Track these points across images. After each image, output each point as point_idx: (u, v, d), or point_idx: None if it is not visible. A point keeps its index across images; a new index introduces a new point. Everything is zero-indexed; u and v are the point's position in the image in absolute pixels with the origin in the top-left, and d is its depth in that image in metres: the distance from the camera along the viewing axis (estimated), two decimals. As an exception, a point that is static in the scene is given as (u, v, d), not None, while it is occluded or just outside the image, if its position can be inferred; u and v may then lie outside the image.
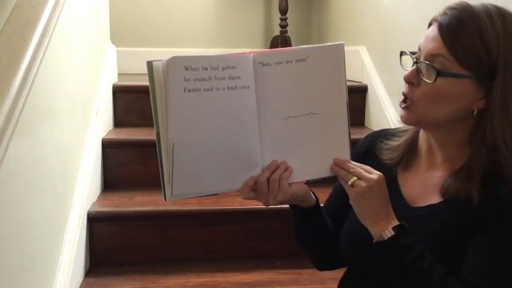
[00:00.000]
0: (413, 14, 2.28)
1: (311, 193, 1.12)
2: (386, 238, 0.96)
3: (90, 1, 2.30)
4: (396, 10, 2.49)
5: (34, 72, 1.40)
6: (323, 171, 1.04)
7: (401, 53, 1.04)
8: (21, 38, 1.41)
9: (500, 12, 0.95)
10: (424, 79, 0.96)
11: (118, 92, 2.62)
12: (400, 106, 1.03)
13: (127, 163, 2.31)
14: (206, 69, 0.94)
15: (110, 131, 2.50)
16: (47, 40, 1.51)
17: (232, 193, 1.04)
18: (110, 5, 2.75)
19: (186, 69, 0.93)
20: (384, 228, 0.97)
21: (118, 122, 2.62)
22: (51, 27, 1.55)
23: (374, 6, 2.76)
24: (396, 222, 0.97)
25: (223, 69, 0.96)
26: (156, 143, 0.96)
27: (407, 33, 2.27)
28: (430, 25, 1.00)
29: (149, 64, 0.94)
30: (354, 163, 1.02)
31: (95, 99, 2.33)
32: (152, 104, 0.95)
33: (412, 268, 0.94)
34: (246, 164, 1.01)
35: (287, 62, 1.00)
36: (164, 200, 0.98)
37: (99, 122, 2.30)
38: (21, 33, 1.42)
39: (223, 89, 0.96)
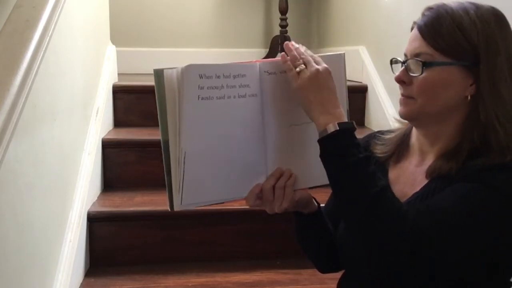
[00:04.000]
0: (413, 14, 2.27)
1: (313, 199, 1.13)
2: (329, 132, 0.94)
3: (90, 1, 2.30)
4: (396, 10, 2.49)
5: (34, 72, 1.40)
6: (326, 178, 1.05)
7: (391, 62, 1.07)
8: (21, 38, 1.41)
9: (474, 5, 0.99)
10: (413, 74, 0.99)
11: (118, 92, 2.62)
12: (400, 104, 1.05)
13: (127, 163, 2.31)
14: (219, 77, 0.95)
15: (110, 131, 2.50)
16: (47, 40, 1.51)
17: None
18: (110, 5, 2.75)
19: (201, 77, 0.93)
20: (329, 121, 0.95)
21: (118, 122, 2.62)
22: (51, 27, 1.55)
23: (374, 6, 2.76)
24: (344, 120, 0.96)
25: (234, 77, 0.97)
26: (163, 151, 0.96)
27: (407, 33, 2.26)
28: (412, 29, 1.04)
29: (159, 72, 0.94)
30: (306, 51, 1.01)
31: (95, 99, 2.33)
32: (159, 112, 0.95)
33: (358, 168, 0.93)
34: (252, 172, 1.02)
35: None
36: (170, 209, 0.97)
37: (99, 122, 2.30)
38: (21, 33, 1.42)
39: (234, 97, 0.97)
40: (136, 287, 1.86)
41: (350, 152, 0.93)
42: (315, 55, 1.01)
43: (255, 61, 1.01)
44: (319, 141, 0.95)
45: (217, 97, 0.95)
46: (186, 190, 0.95)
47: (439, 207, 0.91)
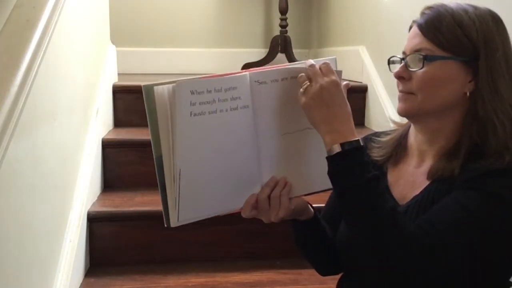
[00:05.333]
0: (413, 14, 2.27)
1: (309, 205, 1.12)
2: (333, 153, 0.93)
3: (90, 1, 2.30)
4: (396, 10, 2.49)
5: (34, 72, 1.40)
6: (321, 185, 1.04)
7: (389, 61, 1.08)
8: (21, 38, 1.41)
9: (472, 6, 1.01)
10: (414, 69, 1.00)
11: (118, 92, 2.62)
12: (399, 100, 1.05)
13: (127, 163, 2.31)
14: (210, 92, 0.94)
15: (110, 131, 2.50)
16: (47, 40, 1.51)
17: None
18: (110, 5, 2.75)
19: (192, 93, 0.92)
20: (335, 140, 0.93)
21: (118, 122, 2.62)
22: (51, 27, 1.55)
23: (374, 6, 2.76)
24: (351, 137, 0.94)
25: (226, 90, 0.96)
26: (156, 167, 0.95)
27: (407, 33, 2.26)
28: (410, 28, 1.06)
29: (148, 88, 0.94)
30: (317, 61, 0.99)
31: (95, 99, 2.33)
32: (150, 128, 0.94)
33: (367, 189, 0.92)
34: (247, 182, 1.02)
35: (282, 80, 1.01)
36: (166, 226, 0.97)
37: (99, 122, 2.30)
38: (21, 33, 1.42)
39: (226, 110, 0.97)
40: (136, 287, 1.86)
41: (352, 174, 0.92)
42: (331, 68, 0.97)
43: (245, 71, 1.01)
44: (327, 159, 0.95)
45: (209, 112, 0.94)
46: (182, 206, 0.95)
47: (445, 224, 0.90)
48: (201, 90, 0.93)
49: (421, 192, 1.01)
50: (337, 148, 0.93)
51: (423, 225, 0.91)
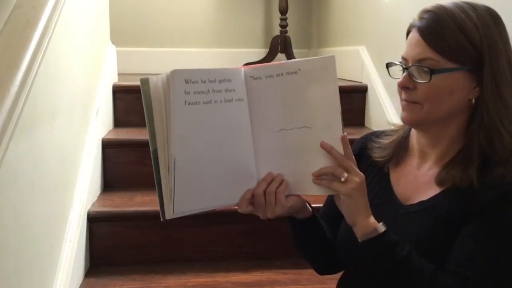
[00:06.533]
0: (413, 14, 2.27)
1: (307, 204, 1.12)
2: (380, 231, 0.96)
3: (90, 1, 2.30)
4: (396, 10, 2.49)
5: (34, 72, 1.40)
6: (319, 188, 1.02)
7: (387, 65, 1.06)
8: (21, 38, 1.41)
9: (470, 5, 0.99)
10: (419, 80, 0.98)
11: (118, 92, 2.62)
12: (404, 109, 1.04)
13: (127, 163, 2.31)
14: (204, 82, 0.94)
15: (110, 131, 2.50)
16: (47, 40, 1.51)
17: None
18: (110, 5, 2.75)
19: (186, 82, 0.93)
20: (374, 223, 0.98)
21: (118, 122, 2.62)
22: (51, 27, 1.55)
23: (374, 6, 2.76)
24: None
25: (220, 82, 0.96)
26: (152, 161, 0.95)
27: (407, 33, 2.26)
28: (408, 32, 1.03)
29: (144, 81, 0.94)
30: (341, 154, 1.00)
31: (95, 99, 2.33)
32: (147, 121, 0.95)
33: (404, 265, 0.95)
34: (243, 176, 1.01)
35: (277, 75, 1.00)
36: (162, 219, 0.97)
37: (99, 122, 2.30)
38: (21, 33, 1.42)
39: (221, 101, 0.97)
40: (136, 287, 1.86)
41: (396, 251, 0.96)
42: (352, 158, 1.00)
43: (240, 67, 1.01)
44: (367, 242, 0.97)
45: (203, 102, 0.95)
46: (177, 197, 0.95)
47: (479, 267, 0.93)
48: (195, 79, 0.93)
49: (431, 199, 1.01)
50: (382, 227, 0.97)
51: (459, 271, 0.93)
